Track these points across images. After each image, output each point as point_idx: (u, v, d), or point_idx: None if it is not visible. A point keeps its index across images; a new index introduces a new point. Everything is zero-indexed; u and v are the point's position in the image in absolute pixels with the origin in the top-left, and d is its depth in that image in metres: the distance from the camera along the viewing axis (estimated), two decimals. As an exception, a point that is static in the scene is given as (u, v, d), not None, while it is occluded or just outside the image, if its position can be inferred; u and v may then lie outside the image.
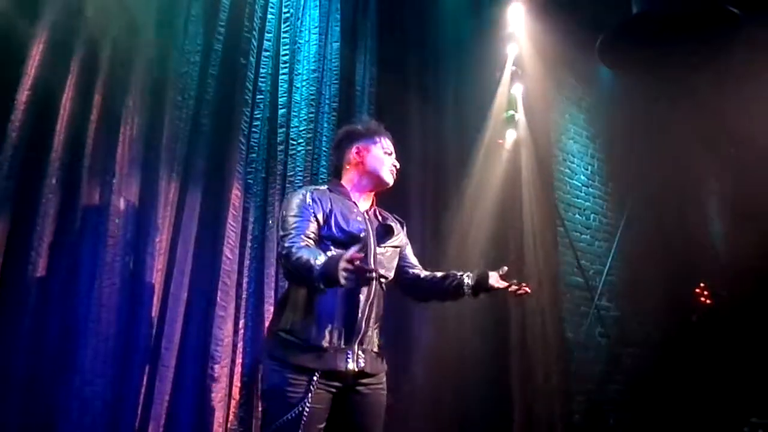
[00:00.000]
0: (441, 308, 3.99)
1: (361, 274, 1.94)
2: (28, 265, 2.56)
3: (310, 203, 2.27)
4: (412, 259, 2.58)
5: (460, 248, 4.21)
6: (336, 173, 2.55)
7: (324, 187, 2.43)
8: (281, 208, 2.33)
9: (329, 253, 2.09)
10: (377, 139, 2.47)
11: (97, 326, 2.68)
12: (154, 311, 2.88)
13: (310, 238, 2.20)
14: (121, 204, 2.82)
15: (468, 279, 2.42)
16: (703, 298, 6.49)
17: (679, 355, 5.85)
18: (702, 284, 6.54)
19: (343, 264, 1.89)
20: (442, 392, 3.92)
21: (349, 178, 2.46)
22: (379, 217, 2.46)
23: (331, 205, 2.29)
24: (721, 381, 6.10)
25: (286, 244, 2.15)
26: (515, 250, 4.55)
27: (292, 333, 2.18)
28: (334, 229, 2.24)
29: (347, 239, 2.22)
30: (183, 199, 3.04)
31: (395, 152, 2.52)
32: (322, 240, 2.24)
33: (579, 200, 5.52)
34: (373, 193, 2.49)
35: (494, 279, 2.41)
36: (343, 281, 1.90)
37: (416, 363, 3.80)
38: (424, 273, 2.55)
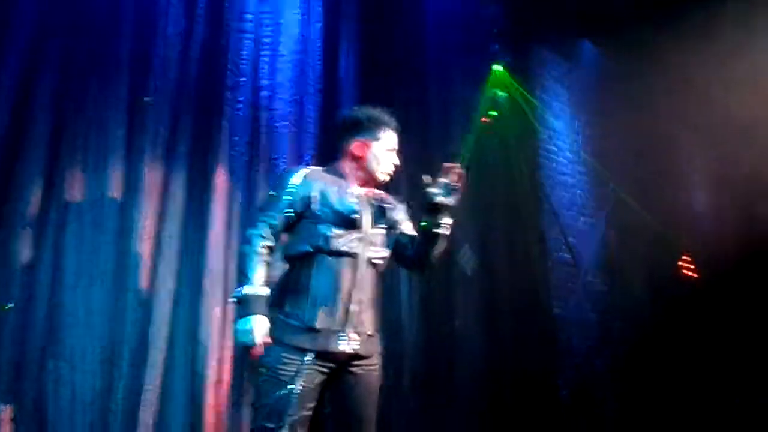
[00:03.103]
0: (429, 288, 4.04)
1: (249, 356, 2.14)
2: (13, 254, 2.54)
3: (295, 184, 2.29)
4: (411, 234, 2.49)
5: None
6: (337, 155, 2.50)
7: (319, 168, 2.42)
8: (272, 183, 2.39)
9: (254, 292, 2.16)
10: (380, 135, 2.40)
11: (85, 314, 2.68)
12: (142, 298, 2.87)
13: (274, 228, 2.25)
14: (105, 191, 2.80)
15: (426, 221, 2.34)
16: (688, 272, 6.56)
17: (667, 328, 5.92)
18: (686, 256, 6.60)
19: (255, 337, 2.10)
20: (432, 370, 3.95)
21: (346, 166, 2.42)
22: (378, 198, 2.44)
23: (324, 185, 2.30)
24: (710, 353, 6.18)
25: (249, 231, 2.25)
26: (501, 228, 4.58)
27: (287, 314, 2.20)
28: (326, 208, 2.26)
29: (339, 219, 2.26)
30: (167, 184, 3.02)
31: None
32: (314, 219, 2.25)
33: (565, 177, 5.53)
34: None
35: (433, 195, 2.27)
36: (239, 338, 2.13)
37: (406, 343, 3.82)
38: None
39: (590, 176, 5.82)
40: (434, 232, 2.33)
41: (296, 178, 2.31)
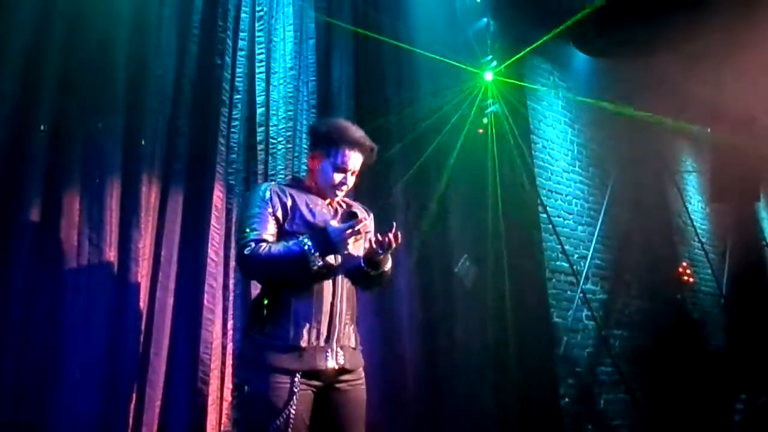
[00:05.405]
0: (430, 299, 4.04)
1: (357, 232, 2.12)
2: (11, 277, 2.53)
3: (269, 199, 2.24)
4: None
5: (442, 240, 4.24)
6: None
7: (279, 183, 2.40)
8: (240, 206, 2.27)
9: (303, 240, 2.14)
10: (333, 152, 2.31)
11: (84, 336, 2.66)
12: (141, 317, 2.86)
13: (268, 241, 2.19)
14: (102, 211, 2.79)
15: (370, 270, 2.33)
16: (686, 277, 6.58)
17: (666, 334, 5.92)
18: (684, 263, 6.63)
19: (346, 232, 2.10)
20: (434, 379, 3.94)
21: (307, 178, 2.44)
22: (344, 206, 2.43)
23: (294, 199, 2.27)
24: (709, 358, 6.19)
25: (245, 251, 2.15)
26: (499, 239, 4.58)
27: (270, 335, 2.16)
28: (299, 222, 2.23)
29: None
30: (165, 203, 3.02)
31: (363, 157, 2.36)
32: (287, 235, 2.21)
33: (561, 186, 5.55)
34: None
35: (376, 254, 2.28)
36: (344, 249, 2.13)
37: (406, 355, 3.81)
38: None
39: (586, 184, 5.85)
40: (378, 278, 2.34)
41: (267, 193, 2.27)
